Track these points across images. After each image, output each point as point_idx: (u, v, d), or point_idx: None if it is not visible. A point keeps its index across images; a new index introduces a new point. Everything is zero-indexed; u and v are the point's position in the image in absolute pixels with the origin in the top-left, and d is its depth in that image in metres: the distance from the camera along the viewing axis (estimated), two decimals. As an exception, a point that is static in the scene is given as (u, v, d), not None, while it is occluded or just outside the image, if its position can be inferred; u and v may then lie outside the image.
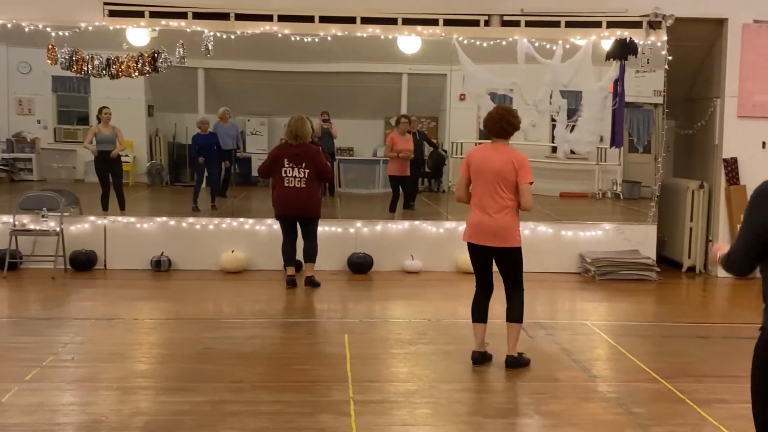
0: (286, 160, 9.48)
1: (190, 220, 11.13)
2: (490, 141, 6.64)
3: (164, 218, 11.10)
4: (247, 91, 14.40)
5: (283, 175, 9.48)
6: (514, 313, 6.64)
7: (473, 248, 6.63)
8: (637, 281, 10.63)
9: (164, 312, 8.82)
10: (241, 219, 11.16)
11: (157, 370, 6.62)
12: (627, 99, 11.23)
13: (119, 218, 11.14)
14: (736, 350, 7.60)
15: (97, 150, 11.84)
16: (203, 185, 13.11)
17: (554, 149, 12.26)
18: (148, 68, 10.70)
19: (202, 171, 13.01)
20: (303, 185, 9.49)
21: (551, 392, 6.18)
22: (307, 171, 9.48)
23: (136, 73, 10.75)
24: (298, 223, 9.72)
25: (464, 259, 10.81)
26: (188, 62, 10.99)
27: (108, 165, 11.90)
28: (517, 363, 6.62)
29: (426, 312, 8.77)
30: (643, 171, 13.06)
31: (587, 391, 6.22)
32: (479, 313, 6.71)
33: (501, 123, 6.51)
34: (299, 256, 9.92)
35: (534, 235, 10.81)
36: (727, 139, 11.11)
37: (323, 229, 10.02)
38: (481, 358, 6.69)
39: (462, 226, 10.99)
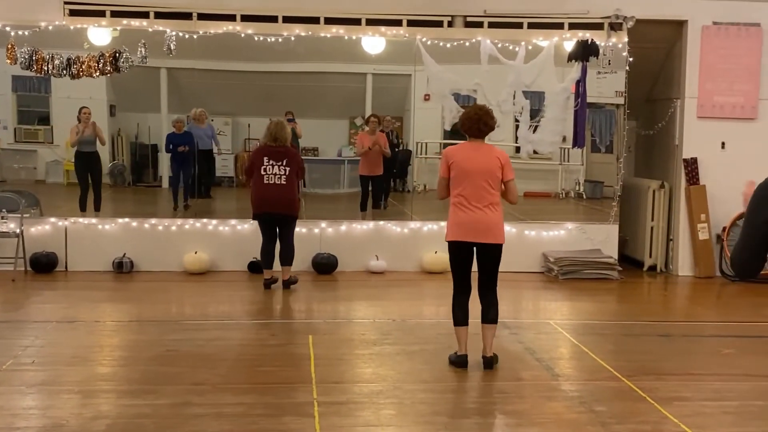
0: (265, 158, 9.46)
1: (153, 221, 11.03)
2: (466, 140, 6.68)
3: (126, 219, 11.00)
4: (211, 90, 14.30)
5: (262, 173, 9.45)
6: (492, 314, 6.65)
7: (461, 246, 6.60)
8: (599, 280, 10.73)
9: (126, 314, 8.73)
10: (205, 220, 11.10)
11: (119, 373, 6.56)
12: (589, 100, 11.33)
13: (80, 219, 11.01)
14: (697, 348, 7.73)
15: (77, 151, 11.71)
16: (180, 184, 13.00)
17: (518, 149, 12.32)
18: (109, 68, 10.59)
19: (179, 170, 12.88)
20: (283, 182, 9.46)
21: (515, 391, 6.22)
22: (287, 169, 9.47)
23: (98, 73, 10.64)
24: (277, 225, 9.69)
25: (428, 259, 10.91)
26: (150, 62, 10.89)
27: (88, 166, 11.78)
28: (495, 362, 6.65)
29: (390, 312, 8.78)
30: (605, 171, 13.17)
31: (550, 390, 6.27)
32: (464, 316, 6.68)
33: (478, 124, 6.56)
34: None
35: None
36: (687, 139, 11.24)
37: (287, 229, 9.99)
38: (467, 362, 6.65)
39: (427, 226, 11.19)
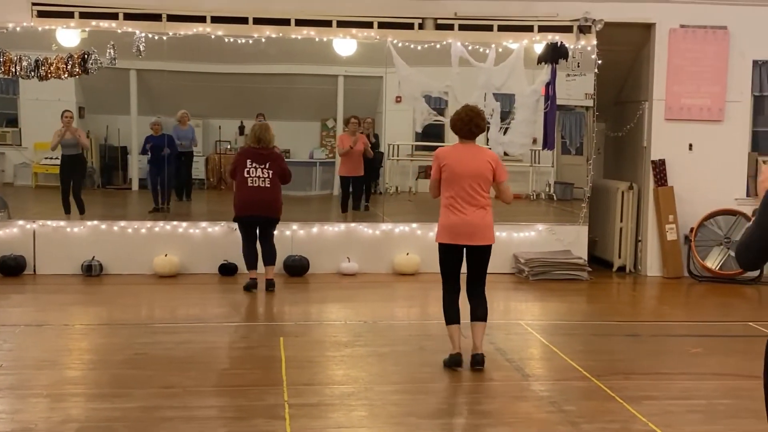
0: (249, 160, 9.43)
1: (122, 223, 10.95)
2: (458, 141, 6.72)
3: (95, 222, 10.91)
4: (181, 92, 14.23)
5: (246, 175, 9.42)
6: (481, 312, 6.73)
7: (452, 249, 6.65)
8: (569, 281, 10.80)
9: (96, 317, 8.67)
10: (175, 222, 11.03)
11: (88, 377, 6.51)
12: (558, 102, 11.41)
13: (49, 222, 10.90)
14: (665, 348, 7.81)
15: (62, 154, 11.62)
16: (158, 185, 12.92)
17: (488, 151, 12.37)
18: (78, 69, 10.50)
19: (156, 172, 12.79)
20: (267, 185, 9.43)
21: (485, 392, 6.26)
22: (271, 171, 9.44)
23: (66, 75, 10.53)
24: (258, 228, 9.65)
25: (400, 260, 10.93)
26: (120, 63, 10.80)
27: (71, 169, 11.67)
28: (484, 360, 6.67)
29: (362, 314, 8.79)
30: (575, 172, 13.26)
31: (520, 390, 6.31)
32: (455, 314, 6.72)
33: (469, 126, 6.60)
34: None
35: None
36: (655, 141, 11.34)
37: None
38: (461, 361, 6.66)
39: (399, 228, 11.21)
